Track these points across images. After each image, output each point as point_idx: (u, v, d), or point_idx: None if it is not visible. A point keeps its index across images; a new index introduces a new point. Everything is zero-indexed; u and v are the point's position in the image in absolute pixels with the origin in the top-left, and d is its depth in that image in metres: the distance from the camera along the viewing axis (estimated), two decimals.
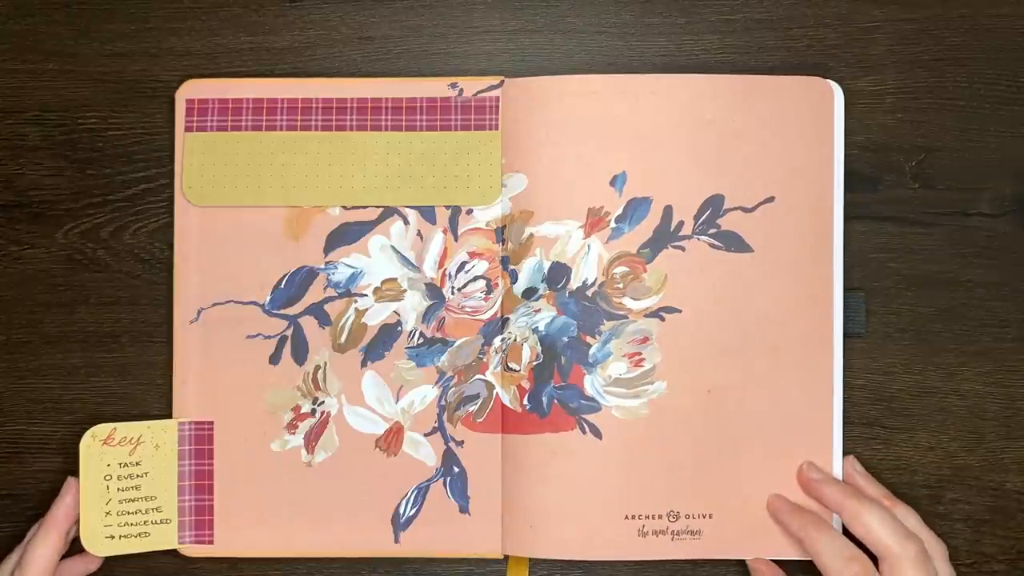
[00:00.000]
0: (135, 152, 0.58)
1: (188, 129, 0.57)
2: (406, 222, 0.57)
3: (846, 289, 0.56)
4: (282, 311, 0.57)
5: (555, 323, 0.56)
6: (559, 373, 0.56)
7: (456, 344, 0.57)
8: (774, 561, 0.55)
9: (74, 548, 0.55)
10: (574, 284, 0.56)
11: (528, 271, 0.56)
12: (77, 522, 0.54)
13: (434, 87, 0.57)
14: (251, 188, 0.56)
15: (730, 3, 0.58)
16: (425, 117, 0.57)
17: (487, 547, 0.56)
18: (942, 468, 0.57)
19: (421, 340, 0.57)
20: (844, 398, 0.56)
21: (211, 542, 0.56)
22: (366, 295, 0.57)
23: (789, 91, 0.56)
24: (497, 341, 0.56)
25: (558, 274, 0.56)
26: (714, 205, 0.56)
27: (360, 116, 0.57)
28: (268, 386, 0.57)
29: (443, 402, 0.56)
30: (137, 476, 0.55)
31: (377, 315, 0.57)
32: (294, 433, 0.56)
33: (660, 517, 0.55)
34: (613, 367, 0.56)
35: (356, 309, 0.57)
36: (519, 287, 0.56)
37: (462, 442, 0.56)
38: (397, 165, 0.56)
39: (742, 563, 0.56)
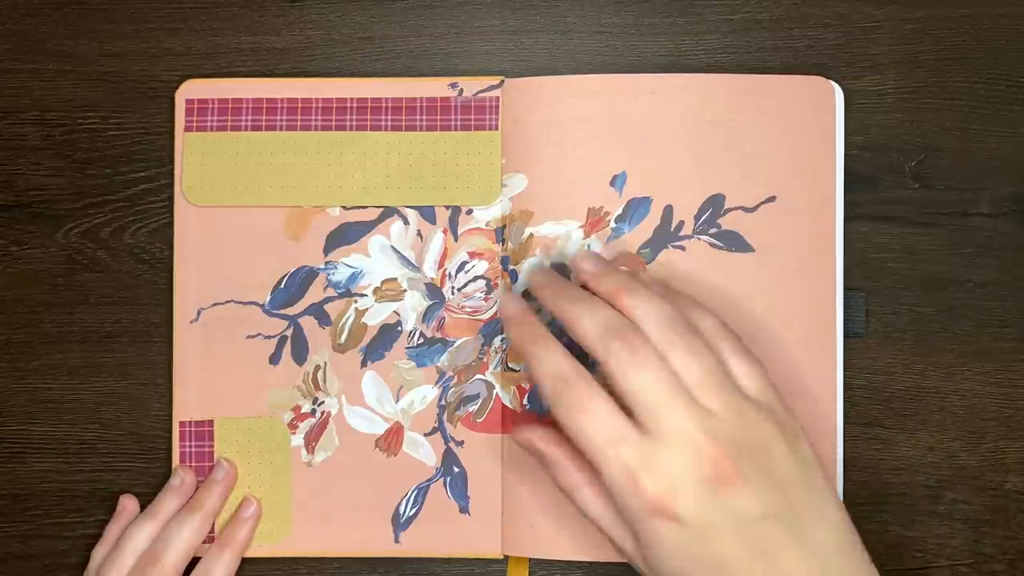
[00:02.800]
0: (135, 152, 0.58)
1: (188, 129, 0.57)
2: (406, 222, 0.57)
3: (846, 289, 0.56)
4: (282, 311, 0.57)
5: (555, 323, 0.56)
6: None
7: (456, 344, 0.57)
8: None
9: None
10: None
11: (528, 271, 0.56)
12: None
13: (434, 87, 0.57)
14: (251, 188, 0.56)
15: (730, 3, 0.58)
16: (425, 117, 0.56)
17: (487, 547, 0.56)
18: (942, 468, 0.57)
19: (421, 340, 0.57)
20: (844, 398, 0.56)
21: (211, 542, 0.56)
22: (366, 295, 0.57)
23: (789, 91, 0.56)
24: (497, 341, 0.56)
25: None
26: (715, 205, 0.56)
27: (360, 116, 0.57)
28: (268, 386, 0.57)
29: (443, 402, 0.56)
30: None
31: (377, 315, 0.57)
32: (294, 433, 0.56)
33: None
34: None
35: (356, 309, 0.57)
36: (519, 287, 0.56)
37: (462, 442, 0.56)
38: (397, 165, 0.56)
39: None
